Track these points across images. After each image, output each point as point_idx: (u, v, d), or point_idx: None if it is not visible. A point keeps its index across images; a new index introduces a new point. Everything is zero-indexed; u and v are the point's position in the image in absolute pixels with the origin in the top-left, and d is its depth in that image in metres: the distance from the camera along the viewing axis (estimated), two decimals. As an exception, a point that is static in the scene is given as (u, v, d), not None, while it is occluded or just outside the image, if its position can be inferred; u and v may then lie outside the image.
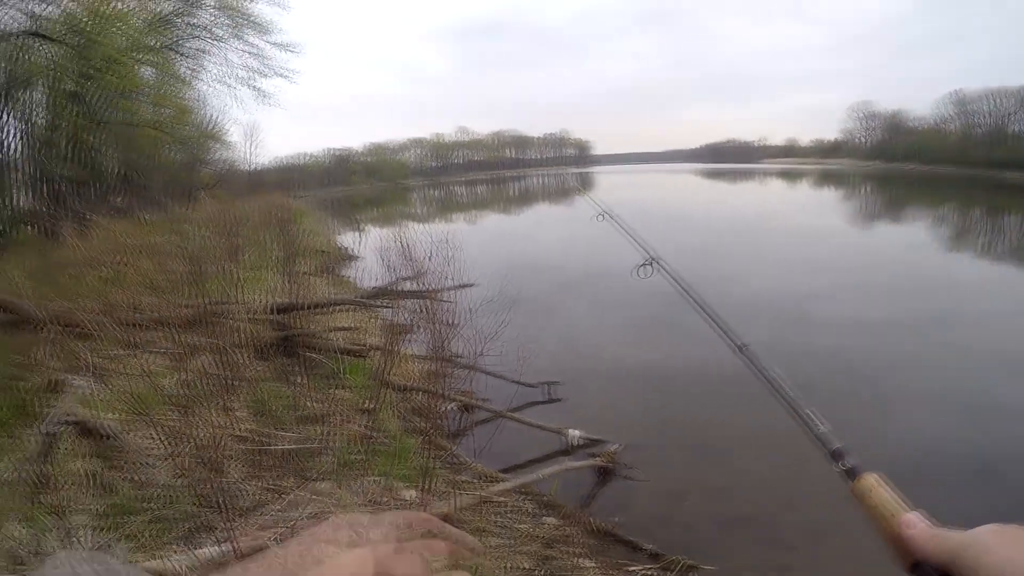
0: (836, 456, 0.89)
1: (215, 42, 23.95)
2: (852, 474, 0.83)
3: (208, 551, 3.06)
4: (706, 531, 5.42)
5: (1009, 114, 78.10)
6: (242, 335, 6.11)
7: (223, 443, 4.07)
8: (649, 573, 4.75)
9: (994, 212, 35.77)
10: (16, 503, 2.89)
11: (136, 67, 21.07)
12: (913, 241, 22.96)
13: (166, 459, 3.64)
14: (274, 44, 24.51)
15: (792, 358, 9.11)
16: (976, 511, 5.27)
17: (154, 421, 4.03)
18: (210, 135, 31.93)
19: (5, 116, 18.88)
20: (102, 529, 3.24)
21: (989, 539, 0.61)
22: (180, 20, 22.94)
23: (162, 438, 4.00)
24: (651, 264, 2.40)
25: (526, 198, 65.38)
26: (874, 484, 0.79)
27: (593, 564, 4.74)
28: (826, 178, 76.13)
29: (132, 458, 3.71)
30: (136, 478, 3.58)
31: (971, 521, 0.64)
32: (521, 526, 5.13)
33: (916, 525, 0.70)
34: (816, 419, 0.98)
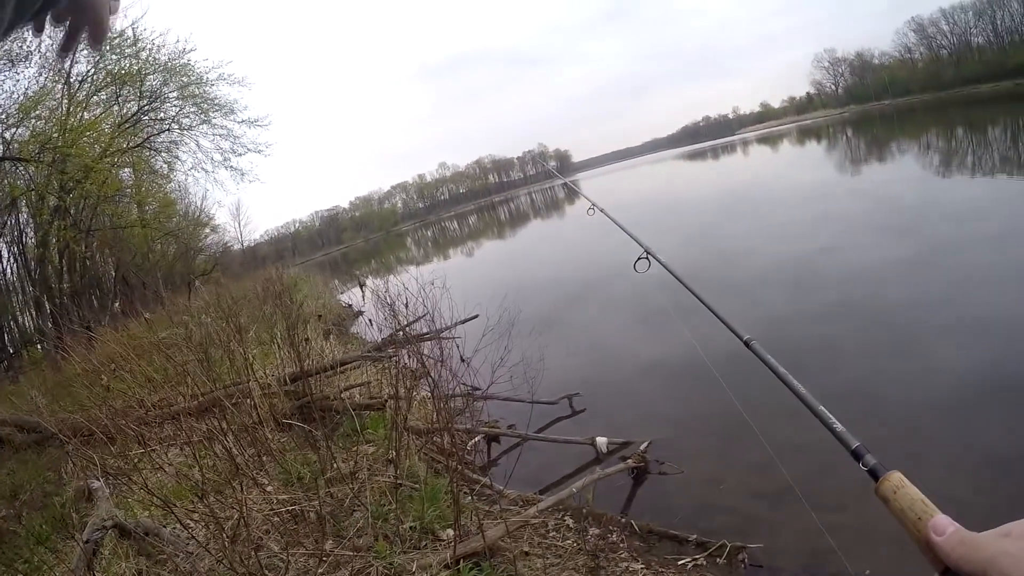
0: (856, 456, 0.90)
1: (184, 131, 24.35)
2: (875, 474, 0.84)
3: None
4: (748, 510, 5.42)
5: (969, 28, 78.00)
6: (259, 411, 6.19)
7: (257, 518, 4.14)
8: (699, 563, 4.76)
9: (976, 126, 35.71)
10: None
11: (113, 171, 21.40)
12: (906, 175, 22.85)
13: (204, 545, 3.70)
14: (242, 122, 24.89)
15: (804, 324, 9.12)
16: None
17: (187, 511, 4.11)
18: (197, 222, 32.42)
19: (-3, 242, 19.22)
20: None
21: (1020, 549, 0.60)
22: (147, 117, 23.37)
23: (198, 526, 4.08)
24: (647, 257, 2.49)
25: (516, 219, 65.55)
26: (898, 484, 0.79)
27: (641, 565, 4.76)
28: (805, 134, 75.98)
29: (173, 551, 3.77)
30: (181, 569, 3.64)
31: (996, 511, 0.65)
32: (565, 543, 5.16)
33: (945, 530, 0.69)
34: (831, 417, 1.00)
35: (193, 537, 3.82)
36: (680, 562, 4.78)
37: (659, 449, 6.55)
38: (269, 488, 4.84)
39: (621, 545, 5.05)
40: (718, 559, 4.75)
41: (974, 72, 71.58)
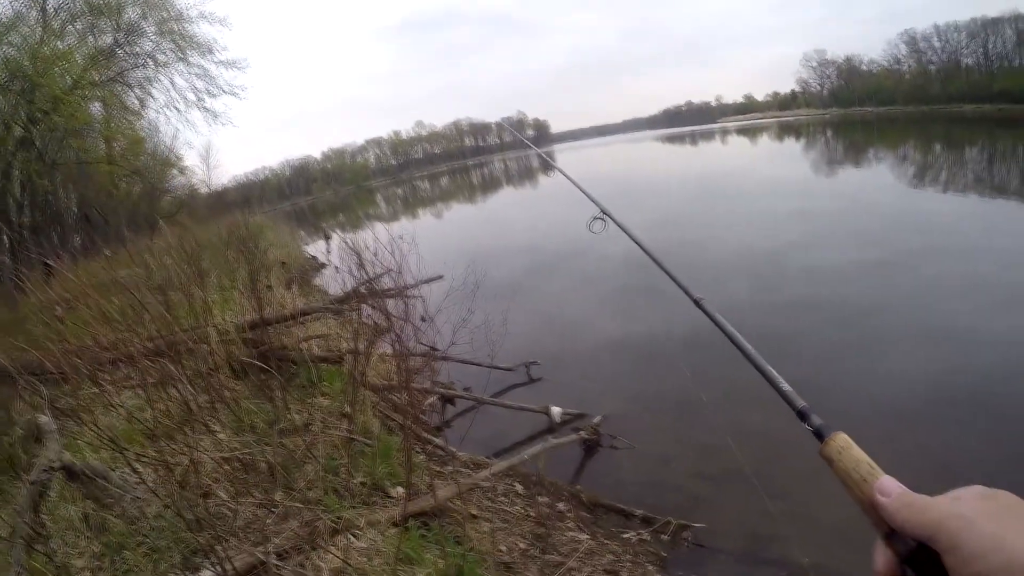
0: (802, 416, 0.87)
1: (160, 68, 23.71)
2: (820, 435, 0.81)
3: (206, 573, 3.12)
4: (694, 489, 5.53)
5: (961, 48, 78.70)
6: (216, 357, 6.14)
7: (208, 465, 4.12)
8: (643, 538, 4.84)
9: (955, 145, 36.39)
10: (13, 557, 2.92)
11: (83, 104, 20.81)
12: (880, 182, 23.22)
13: (154, 490, 3.68)
14: (219, 63, 24.31)
15: (764, 309, 9.30)
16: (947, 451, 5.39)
17: (138, 455, 4.07)
18: (165, 162, 31.73)
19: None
20: (100, 570, 3.29)
21: (972, 511, 0.58)
22: (122, 51, 22.65)
23: (148, 470, 4.05)
24: (603, 218, 2.46)
25: (488, 185, 65.35)
26: (844, 446, 0.76)
27: (587, 536, 4.83)
28: (785, 130, 76.56)
29: (121, 495, 3.74)
30: (128, 513, 3.62)
31: (943, 476, 0.64)
32: (513, 508, 5.22)
33: (891, 492, 0.67)
34: (778, 377, 0.98)
35: (143, 481, 3.79)
36: (625, 535, 4.87)
37: (612, 423, 6.63)
38: (221, 435, 4.81)
39: (568, 515, 5.12)
40: (663, 535, 4.85)
41: (959, 91, 72.38)
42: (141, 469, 3.98)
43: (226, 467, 4.22)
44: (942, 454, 5.40)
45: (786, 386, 0.95)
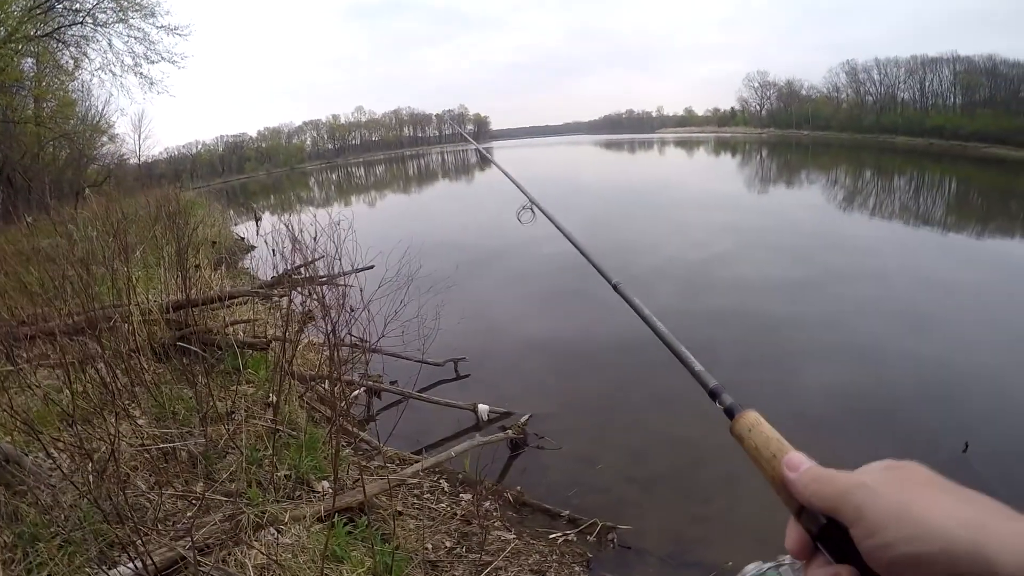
0: (713, 395, 0.87)
1: (98, 28, 22.62)
2: (730, 413, 0.79)
3: (124, 569, 2.98)
4: (620, 491, 5.61)
5: (898, 82, 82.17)
6: (137, 338, 5.92)
7: (126, 453, 3.96)
8: (569, 538, 4.87)
9: (885, 172, 38.30)
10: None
11: (15, 59, 19.82)
12: (809, 202, 24.10)
13: (69, 477, 3.51)
14: (161, 27, 23.37)
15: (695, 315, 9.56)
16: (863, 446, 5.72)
17: (52, 438, 3.88)
18: (95, 128, 30.36)
19: None
20: (12, 562, 3.12)
21: (875, 481, 0.57)
22: (61, 5, 21.52)
23: (63, 455, 3.86)
24: (531, 208, 2.47)
25: (424, 176, 65.06)
26: (754, 423, 0.75)
27: (513, 536, 4.84)
28: (722, 145, 78.44)
29: (34, 481, 3.56)
30: (41, 502, 3.44)
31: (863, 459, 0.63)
32: (438, 505, 5.19)
33: (799, 467, 0.65)
34: (692, 358, 0.98)
35: (58, 467, 3.62)
36: (551, 536, 4.90)
37: (539, 422, 6.66)
38: (141, 421, 4.64)
39: (494, 513, 5.12)
40: (588, 536, 4.89)
41: (893, 123, 76.27)
42: (56, 454, 3.80)
43: (145, 455, 4.07)
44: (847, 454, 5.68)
45: (699, 366, 0.95)
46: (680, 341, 1.03)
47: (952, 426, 6.27)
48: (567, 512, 5.12)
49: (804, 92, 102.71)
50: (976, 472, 5.41)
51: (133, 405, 4.86)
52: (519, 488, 5.55)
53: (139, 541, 2.93)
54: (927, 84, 77.67)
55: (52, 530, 3.23)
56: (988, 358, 7.93)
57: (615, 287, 1.46)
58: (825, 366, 7.82)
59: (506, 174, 3.18)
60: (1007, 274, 12.68)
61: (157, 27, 23.38)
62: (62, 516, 3.35)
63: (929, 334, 8.79)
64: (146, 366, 5.55)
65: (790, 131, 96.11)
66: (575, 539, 4.87)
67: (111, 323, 5.57)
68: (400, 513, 4.68)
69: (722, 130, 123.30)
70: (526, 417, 6.60)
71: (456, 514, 5.02)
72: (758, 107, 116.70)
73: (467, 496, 5.34)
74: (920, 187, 31.35)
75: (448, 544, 4.55)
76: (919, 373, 7.60)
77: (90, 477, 3.38)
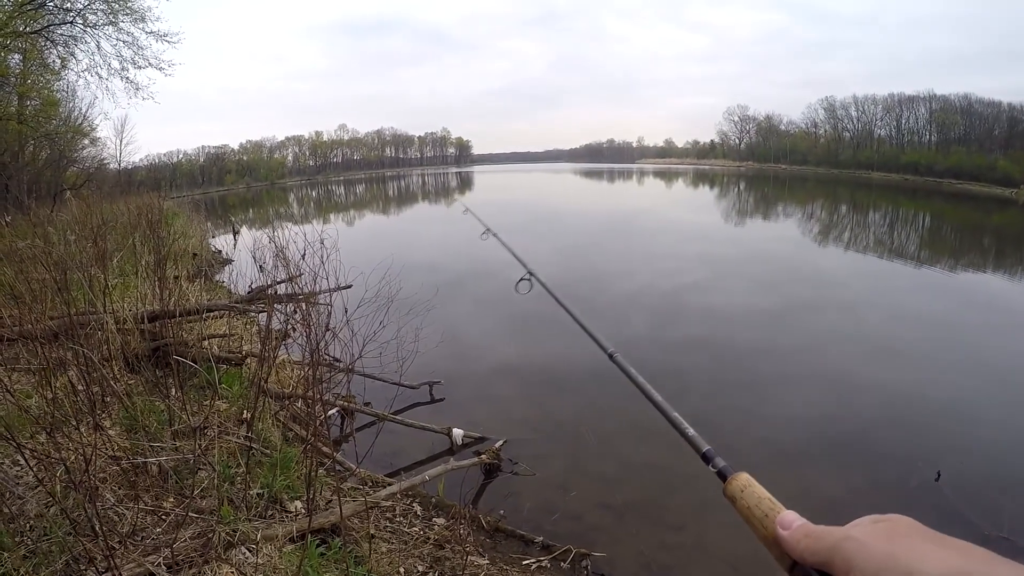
0: (706, 458, 0.90)
1: (88, 29, 22.33)
2: (723, 476, 0.84)
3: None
4: (594, 519, 5.59)
5: (875, 119, 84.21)
6: (111, 346, 5.83)
7: (95, 464, 3.88)
8: (543, 565, 4.83)
9: (860, 207, 39.09)
10: None
11: (2, 53, 19.59)
12: (785, 235, 24.41)
13: (36, 486, 3.43)
14: (151, 33, 23.12)
15: (669, 346, 9.65)
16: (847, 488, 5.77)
17: (20, 445, 3.79)
18: (77, 130, 29.97)
19: None
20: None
21: (863, 534, 0.60)
22: (52, 3, 21.23)
23: (30, 463, 3.77)
24: (529, 279, 2.54)
25: (404, 198, 65.09)
26: (745, 484, 0.79)
27: (487, 561, 4.79)
28: (701, 177, 79.50)
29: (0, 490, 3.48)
30: (5, 510, 3.35)
31: (844, 510, 0.64)
32: (411, 529, 5.13)
33: (791, 524, 0.69)
34: (685, 424, 1.02)
35: (27, 475, 3.53)
36: (525, 562, 4.86)
37: (514, 448, 6.63)
38: (112, 432, 4.55)
39: (468, 539, 5.04)
40: (562, 563, 4.87)
41: (869, 159, 78.88)
42: (23, 462, 3.71)
43: (115, 467, 3.99)
44: (821, 488, 5.76)
45: (692, 431, 1.00)
46: (672, 405, 1.09)
47: (922, 453, 6.44)
48: (541, 538, 5.10)
49: (783, 127, 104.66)
50: (948, 499, 5.51)
51: (104, 415, 4.78)
52: (494, 513, 5.51)
53: (107, 555, 2.86)
54: (903, 121, 79.87)
55: (16, 539, 3.14)
56: (957, 388, 8.22)
57: (611, 356, 1.50)
58: (796, 394, 8.01)
59: (505, 245, 3.36)
60: (978, 307, 13.04)
61: (147, 32, 23.12)
62: (26, 526, 3.27)
63: (899, 364, 9.08)
64: (118, 376, 5.46)
65: (768, 165, 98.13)
66: (549, 565, 4.83)
67: (85, 330, 5.49)
68: (373, 536, 4.62)
69: (701, 162, 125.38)
70: (501, 442, 6.57)
71: (429, 538, 4.96)
72: (737, 140, 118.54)
73: (440, 520, 5.28)
74: (894, 222, 32.06)
75: (420, 568, 4.49)
76: (890, 401, 7.81)
77: (59, 487, 3.30)
